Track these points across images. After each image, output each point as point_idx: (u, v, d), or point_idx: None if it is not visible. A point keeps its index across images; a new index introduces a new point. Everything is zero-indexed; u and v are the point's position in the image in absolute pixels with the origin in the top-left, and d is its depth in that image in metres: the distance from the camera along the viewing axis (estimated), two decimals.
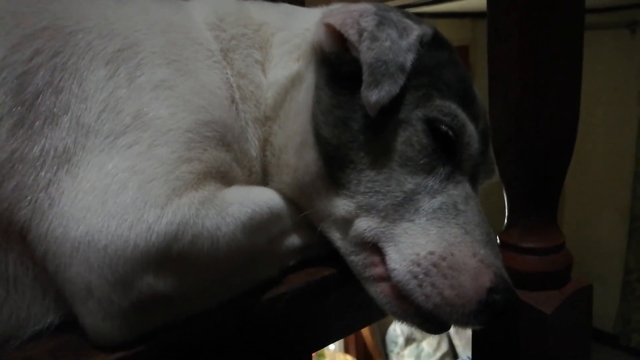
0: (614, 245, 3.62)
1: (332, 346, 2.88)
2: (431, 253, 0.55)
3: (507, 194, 0.70)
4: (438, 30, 0.64)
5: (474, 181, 0.62)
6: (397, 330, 3.19)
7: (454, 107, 0.59)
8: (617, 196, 3.58)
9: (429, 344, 3.21)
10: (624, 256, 3.58)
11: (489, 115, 0.67)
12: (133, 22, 0.58)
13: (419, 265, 0.54)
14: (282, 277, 0.61)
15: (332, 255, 0.63)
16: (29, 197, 0.48)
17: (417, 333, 3.20)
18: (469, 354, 2.98)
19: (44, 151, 0.49)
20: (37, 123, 0.49)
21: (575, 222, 3.61)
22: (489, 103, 0.67)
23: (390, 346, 3.21)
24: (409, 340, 3.20)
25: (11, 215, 0.48)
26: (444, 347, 3.23)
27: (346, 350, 3.02)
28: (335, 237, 0.62)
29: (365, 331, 3.03)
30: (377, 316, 0.70)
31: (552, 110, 0.63)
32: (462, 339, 3.21)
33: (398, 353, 3.18)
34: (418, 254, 0.55)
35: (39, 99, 0.50)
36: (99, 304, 0.46)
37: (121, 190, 0.47)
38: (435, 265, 0.54)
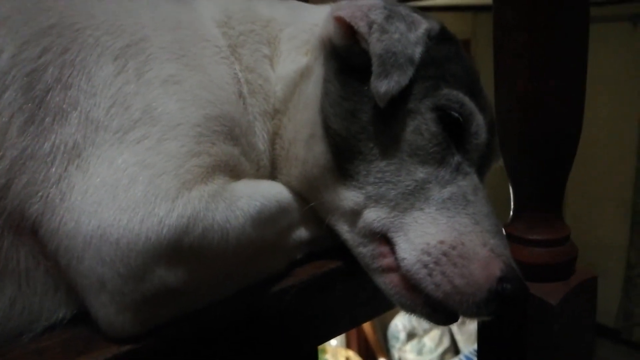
0: (616, 240, 3.62)
1: (333, 341, 2.88)
2: (441, 242, 0.55)
3: (512, 187, 0.70)
4: (445, 25, 0.65)
5: (480, 173, 0.63)
6: (399, 325, 3.18)
7: (461, 95, 0.59)
8: (619, 191, 3.58)
9: (431, 339, 3.21)
10: (626, 251, 3.59)
11: (495, 108, 0.67)
12: (141, 18, 0.58)
13: (429, 254, 0.55)
14: (289, 270, 0.61)
15: (339, 248, 0.63)
16: (40, 193, 0.48)
17: (419, 328, 3.20)
18: (471, 349, 2.99)
19: (54, 147, 0.49)
20: (47, 119, 0.49)
21: (578, 217, 3.60)
22: (495, 96, 0.67)
23: (392, 341, 3.21)
24: (410, 336, 3.20)
25: (23, 211, 0.48)
26: (446, 342, 3.23)
27: (348, 346, 3.02)
28: (343, 229, 0.62)
29: (367, 326, 3.04)
30: (384, 308, 0.70)
31: (558, 103, 0.63)
32: (463, 334, 3.21)
33: (400, 348, 3.17)
34: (428, 243, 0.55)
35: (49, 96, 0.50)
36: (111, 297, 0.46)
37: (132, 184, 0.48)
38: (445, 254, 0.54)
